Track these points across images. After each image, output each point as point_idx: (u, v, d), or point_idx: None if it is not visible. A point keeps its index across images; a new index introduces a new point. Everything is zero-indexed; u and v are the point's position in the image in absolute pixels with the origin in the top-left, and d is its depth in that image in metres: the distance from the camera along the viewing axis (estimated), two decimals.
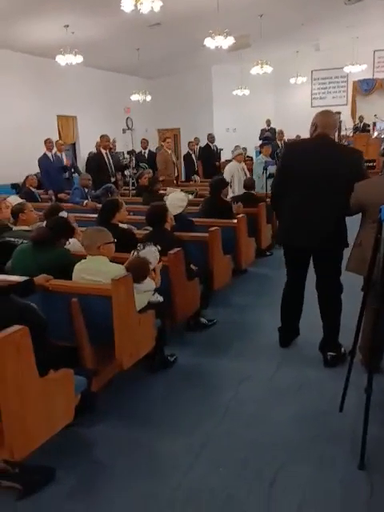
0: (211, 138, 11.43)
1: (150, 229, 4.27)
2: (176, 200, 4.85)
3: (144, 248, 3.47)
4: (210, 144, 11.34)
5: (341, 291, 3.62)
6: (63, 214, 4.35)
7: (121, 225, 4.31)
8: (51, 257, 3.40)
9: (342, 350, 3.62)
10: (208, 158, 11.18)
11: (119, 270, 3.16)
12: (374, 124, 12.09)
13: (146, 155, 11.18)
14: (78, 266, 3.31)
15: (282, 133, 11.30)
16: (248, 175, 7.84)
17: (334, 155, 3.36)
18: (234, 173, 7.68)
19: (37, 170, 8.90)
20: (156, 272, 3.47)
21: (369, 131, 14.87)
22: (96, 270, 3.18)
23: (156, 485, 2.45)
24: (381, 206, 2.55)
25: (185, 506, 2.31)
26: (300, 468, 2.53)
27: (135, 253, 3.46)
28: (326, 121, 3.39)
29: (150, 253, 3.44)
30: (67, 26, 9.62)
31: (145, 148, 11.37)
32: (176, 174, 10.09)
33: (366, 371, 2.66)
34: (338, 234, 3.44)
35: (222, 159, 11.99)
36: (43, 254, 3.40)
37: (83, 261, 3.32)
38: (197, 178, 10.68)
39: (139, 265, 3.28)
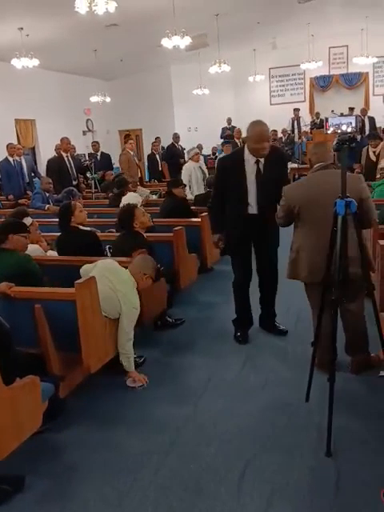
0: (176, 137, 11.41)
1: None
2: (129, 199, 4.87)
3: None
4: (176, 143, 11.32)
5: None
6: (28, 219, 4.28)
7: (82, 228, 4.29)
8: (12, 263, 3.34)
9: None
10: (173, 158, 11.15)
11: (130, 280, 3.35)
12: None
13: (99, 158, 9.95)
14: (102, 265, 3.44)
15: (239, 131, 11.49)
16: (207, 174, 7.88)
17: None
18: (191, 173, 7.67)
19: None
20: None
21: None
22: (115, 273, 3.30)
23: (128, 484, 2.46)
24: (335, 200, 2.64)
25: (157, 503, 2.33)
26: (269, 458, 2.58)
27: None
28: None
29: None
30: (21, 28, 9.45)
31: (96, 151, 10.14)
32: (139, 176, 10.04)
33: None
34: None
35: (186, 159, 12.03)
36: (3, 261, 3.34)
37: (110, 260, 3.54)
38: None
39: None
